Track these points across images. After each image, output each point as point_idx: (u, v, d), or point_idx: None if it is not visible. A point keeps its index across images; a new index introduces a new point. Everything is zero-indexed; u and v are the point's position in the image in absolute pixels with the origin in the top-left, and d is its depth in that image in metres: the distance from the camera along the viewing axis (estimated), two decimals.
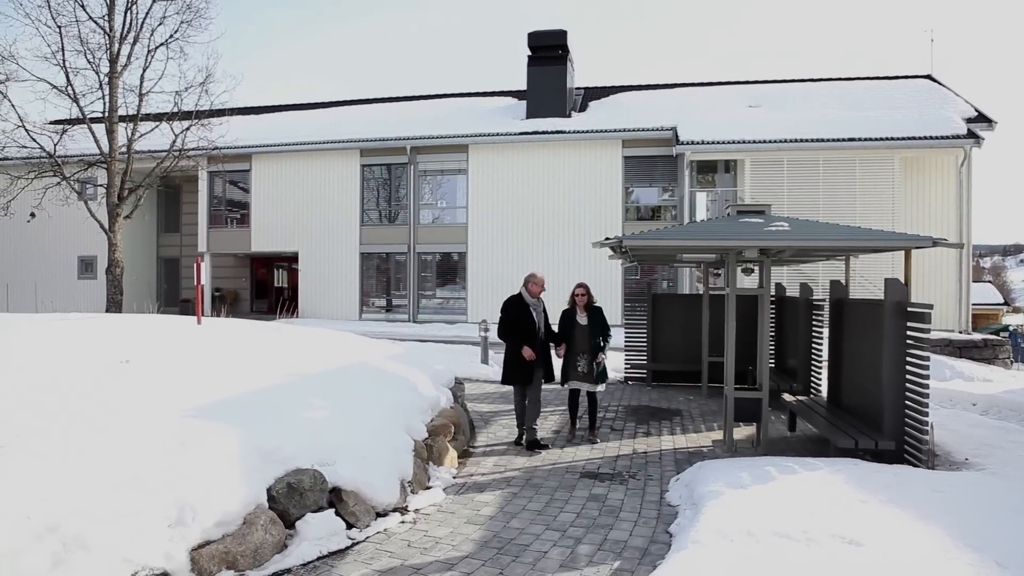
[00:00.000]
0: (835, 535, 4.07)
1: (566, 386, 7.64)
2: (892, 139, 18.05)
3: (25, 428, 4.17)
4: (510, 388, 8.33)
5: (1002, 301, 47.72)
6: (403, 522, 5.04)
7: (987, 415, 9.78)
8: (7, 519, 3.38)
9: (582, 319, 7.51)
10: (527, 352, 7.06)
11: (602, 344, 7.45)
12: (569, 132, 21.17)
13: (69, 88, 16.33)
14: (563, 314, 7.59)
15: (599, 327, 7.45)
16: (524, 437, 7.32)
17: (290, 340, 8.22)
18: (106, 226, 16.67)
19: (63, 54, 16.05)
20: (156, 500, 3.84)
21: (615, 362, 12.77)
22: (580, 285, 7.62)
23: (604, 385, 7.62)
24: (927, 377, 5.90)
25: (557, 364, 7.59)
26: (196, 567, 3.78)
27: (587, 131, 21.11)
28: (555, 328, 7.65)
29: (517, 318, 7.22)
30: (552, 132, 21.25)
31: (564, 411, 8.52)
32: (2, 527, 3.34)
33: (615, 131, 20.87)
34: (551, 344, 7.55)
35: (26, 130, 16.26)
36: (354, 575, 4.08)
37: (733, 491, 4.96)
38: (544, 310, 7.41)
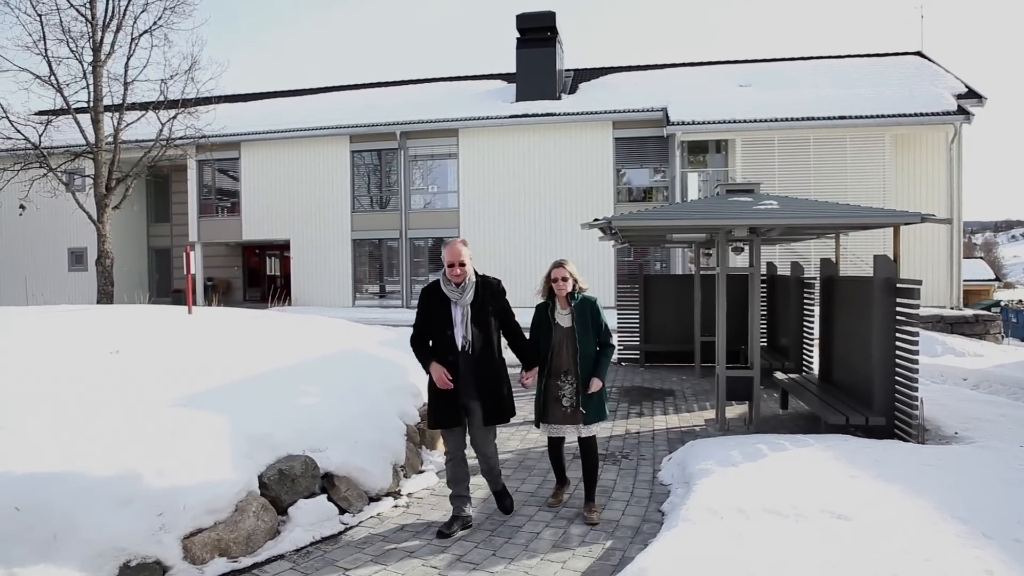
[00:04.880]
0: (825, 510, 4.09)
1: (541, 430, 4.91)
2: (882, 116, 18.04)
3: (15, 418, 4.16)
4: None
5: (993, 277, 47.91)
6: (396, 506, 5.05)
7: (977, 390, 9.85)
8: None
9: (563, 318, 4.70)
10: (437, 373, 4.41)
11: (602, 358, 4.72)
12: (559, 115, 21.08)
13: (52, 78, 16.14)
14: (536, 312, 4.81)
15: (593, 330, 4.70)
16: (452, 522, 4.52)
17: (281, 328, 8.20)
18: (95, 217, 16.54)
19: (45, 43, 15.85)
20: (146, 489, 3.83)
21: None
22: (558, 265, 4.73)
23: (602, 424, 4.80)
24: (917, 353, 5.93)
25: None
26: (188, 555, 3.79)
27: (577, 113, 21.02)
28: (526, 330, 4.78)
29: (427, 318, 4.55)
30: (542, 115, 21.16)
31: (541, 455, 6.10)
32: None
33: (605, 113, 20.79)
34: (499, 361, 4.63)
35: (10, 121, 16.08)
36: (347, 559, 4.10)
37: (724, 469, 4.98)
38: (494, 305, 4.58)
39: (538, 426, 4.86)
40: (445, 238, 4.42)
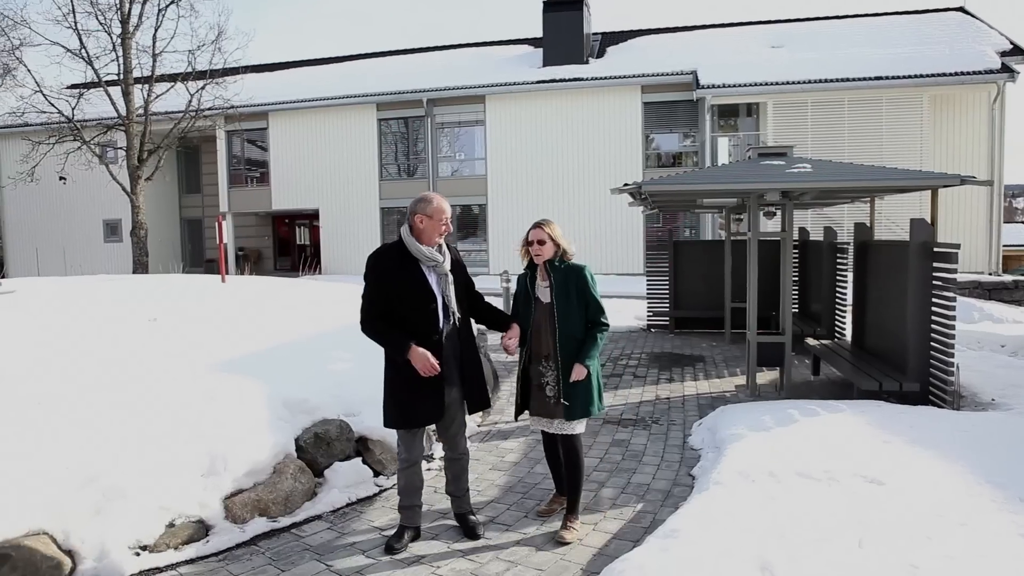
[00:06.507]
0: (857, 475, 4.08)
1: (519, 419, 4.15)
2: (921, 76, 17.48)
3: (59, 385, 4.29)
4: None
5: None
6: (429, 469, 5.12)
7: (1016, 356, 9.65)
8: (49, 470, 3.51)
9: (543, 292, 3.85)
10: (422, 361, 3.48)
11: (589, 340, 3.78)
12: (587, 79, 20.80)
13: (83, 51, 16.34)
14: (517, 283, 4.04)
15: (578, 305, 3.79)
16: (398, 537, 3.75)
17: (313, 295, 8.32)
18: (128, 189, 16.82)
19: (74, 16, 16.03)
20: (188, 451, 3.96)
21: (636, 310, 12.63)
22: (536, 225, 3.83)
23: (585, 422, 3.91)
24: (953, 318, 5.83)
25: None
26: (230, 514, 3.92)
27: (605, 77, 20.71)
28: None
29: (392, 290, 3.61)
30: (569, 80, 20.88)
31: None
32: (45, 478, 3.47)
33: (634, 77, 20.44)
34: (486, 329, 4.01)
35: (44, 95, 16.34)
36: (382, 520, 4.19)
37: (755, 434, 4.98)
38: (460, 273, 3.79)
39: (516, 417, 4.03)
40: (425, 193, 3.55)
